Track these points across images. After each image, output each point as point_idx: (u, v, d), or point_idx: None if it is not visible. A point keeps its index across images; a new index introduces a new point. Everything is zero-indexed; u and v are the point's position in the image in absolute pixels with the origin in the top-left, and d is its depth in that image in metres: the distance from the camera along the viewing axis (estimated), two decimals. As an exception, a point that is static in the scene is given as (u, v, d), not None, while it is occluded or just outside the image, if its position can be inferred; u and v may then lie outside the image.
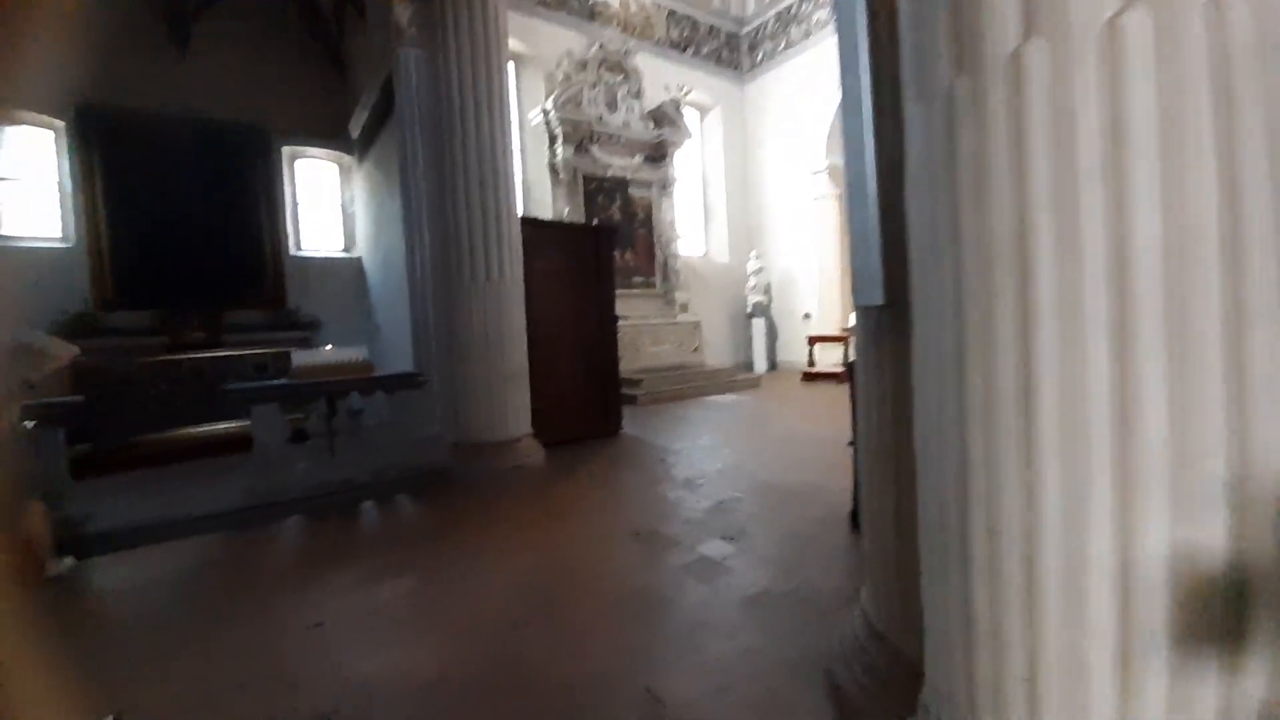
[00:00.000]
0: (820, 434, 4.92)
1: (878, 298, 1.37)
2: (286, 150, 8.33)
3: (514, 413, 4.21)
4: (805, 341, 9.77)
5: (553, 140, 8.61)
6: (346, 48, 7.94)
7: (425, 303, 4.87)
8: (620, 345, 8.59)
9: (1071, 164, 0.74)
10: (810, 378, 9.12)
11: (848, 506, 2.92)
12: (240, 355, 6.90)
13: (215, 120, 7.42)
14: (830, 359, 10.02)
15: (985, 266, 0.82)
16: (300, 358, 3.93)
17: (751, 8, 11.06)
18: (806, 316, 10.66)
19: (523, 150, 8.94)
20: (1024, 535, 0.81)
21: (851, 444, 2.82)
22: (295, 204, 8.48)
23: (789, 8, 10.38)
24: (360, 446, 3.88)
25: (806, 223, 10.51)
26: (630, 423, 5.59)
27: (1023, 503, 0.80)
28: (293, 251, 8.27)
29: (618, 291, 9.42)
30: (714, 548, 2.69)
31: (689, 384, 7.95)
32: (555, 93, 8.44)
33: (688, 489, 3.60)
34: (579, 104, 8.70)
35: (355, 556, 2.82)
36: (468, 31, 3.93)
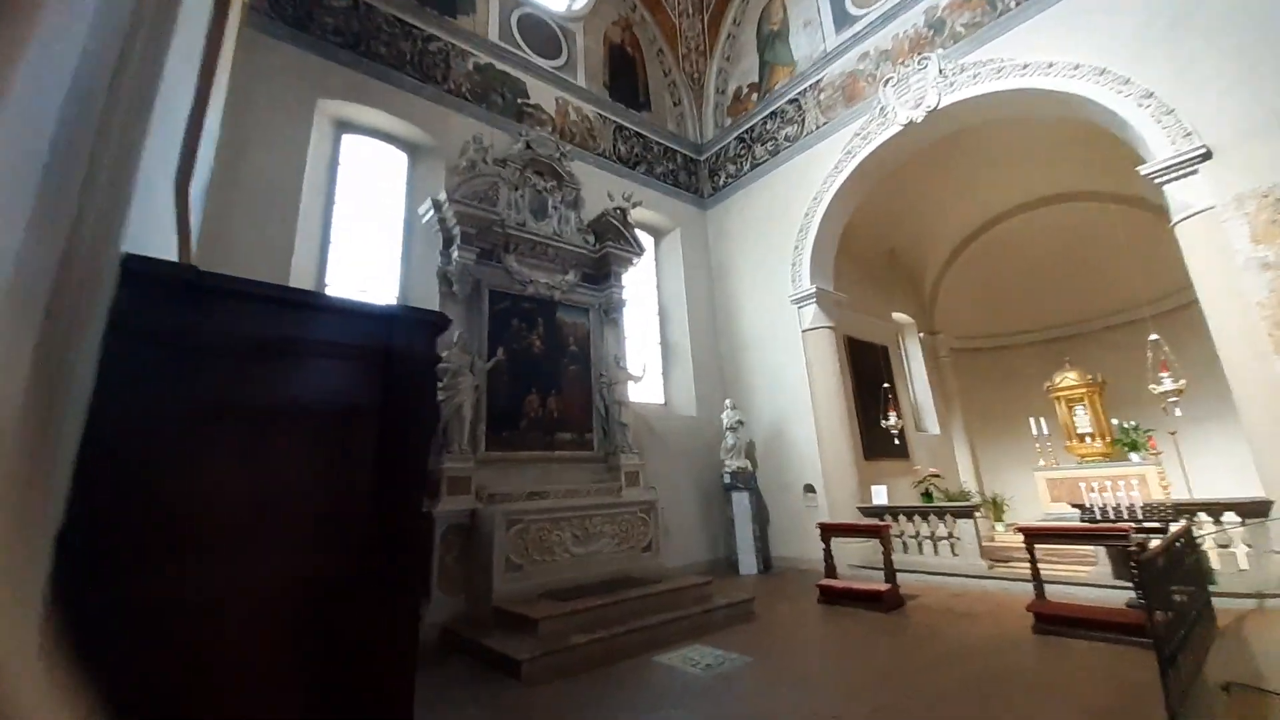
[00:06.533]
0: None
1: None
2: None
3: None
4: (813, 529, 6.52)
5: (448, 242, 6.19)
6: None
7: None
8: (521, 545, 4.93)
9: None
10: (831, 595, 5.68)
11: None
12: None
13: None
14: (853, 556, 6.69)
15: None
16: None
17: (711, 133, 9.90)
18: (809, 489, 7.56)
19: (406, 252, 6.53)
20: None
21: None
22: None
23: (752, 128, 9.15)
24: None
25: (796, 361, 7.99)
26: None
27: None
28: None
29: (530, 454, 6.26)
30: None
31: (634, 623, 4.36)
32: (455, 182, 6.24)
33: None
34: (492, 202, 6.49)
35: None
36: None
